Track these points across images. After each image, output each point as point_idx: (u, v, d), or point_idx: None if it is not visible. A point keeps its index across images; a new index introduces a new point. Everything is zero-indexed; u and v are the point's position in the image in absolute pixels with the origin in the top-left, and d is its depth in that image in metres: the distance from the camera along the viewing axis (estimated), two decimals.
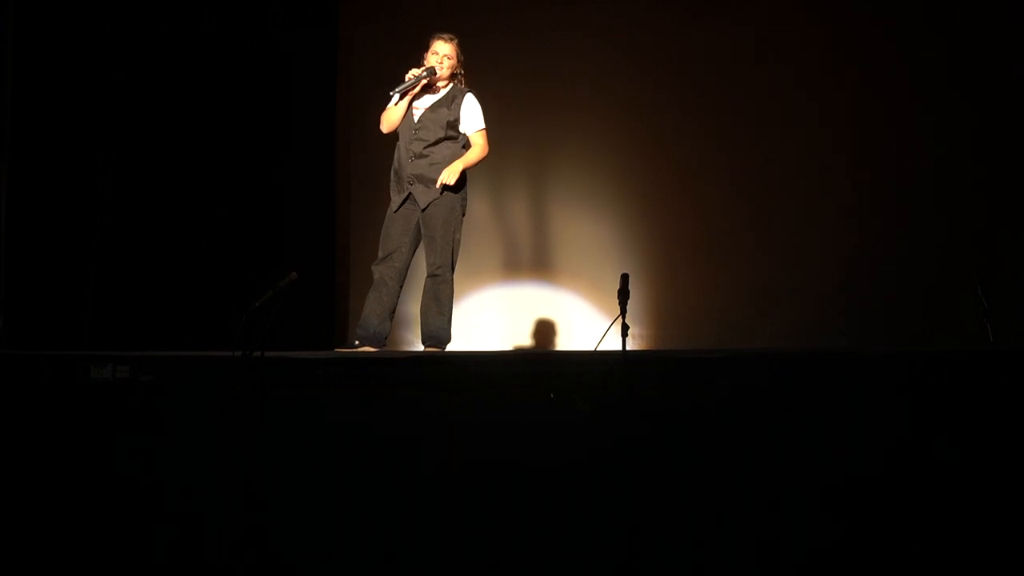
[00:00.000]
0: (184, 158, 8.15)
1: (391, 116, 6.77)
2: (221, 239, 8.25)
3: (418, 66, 6.75)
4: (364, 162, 8.27)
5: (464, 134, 6.75)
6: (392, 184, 6.79)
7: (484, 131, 6.75)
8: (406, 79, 6.68)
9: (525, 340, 8.62)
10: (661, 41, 8.44)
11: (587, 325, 8.38)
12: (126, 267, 7.88)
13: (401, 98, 6.72)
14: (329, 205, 8.73)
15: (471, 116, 6.74)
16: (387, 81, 6.78)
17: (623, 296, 5.23)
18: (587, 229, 8.55)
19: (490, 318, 8.65)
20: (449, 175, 6.61)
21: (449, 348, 6.73)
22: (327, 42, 8.76)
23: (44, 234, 7.53)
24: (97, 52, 7.74)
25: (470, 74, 6.86)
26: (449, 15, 8.04)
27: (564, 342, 8.54)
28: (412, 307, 7.12)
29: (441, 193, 6.65)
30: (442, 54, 6.75)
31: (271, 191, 8.41)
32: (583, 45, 8.49)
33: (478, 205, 8.02)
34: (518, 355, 7.50)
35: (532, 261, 8.73)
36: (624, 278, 5.27)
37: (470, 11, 8.34)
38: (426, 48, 6.80)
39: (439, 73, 6.73)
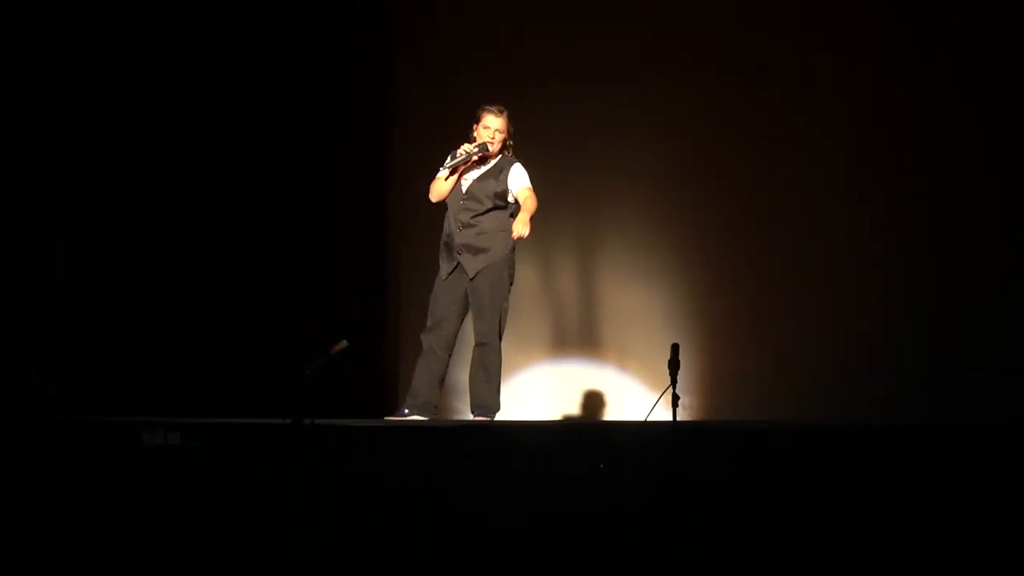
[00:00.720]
0: (237, 223, 8.29)
1: (440, 187, 6.80)
2: (270, 305, 8.34)
3: (469, 139, 6.78)
4: (414, 229, 8.31)
5: (512, 203, 6.77)
6: (441, 253, 6.82)
7: (531, 187, 6.75)
8: (458, 154, 6.71)
9: (574, 413, 8.58)
10: (709, 112, 8.44)
11: (637, 398, 8.33)
12: (176, 330, 8.00)
13: (451, 174, 6.75)
14: (379, 271, 8.78)
15: (518, 179, 6.75)
16: (439, 148, 6.83)
17: (673, 366, 5.23)
18: (635, 298, 8.53)
19: (539, 392, 8.62)
20: (522, 227, 6.60)
21: (498, 417, 6.72)
22: (379, 108, 8.84)
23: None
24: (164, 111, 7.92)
25: (519, 142, 6.88)
26: (498, 84, 8.07)
27: (613, 415, 8.49)
28: (461, 375, 7.12)
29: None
30: (494, 128, 6.77)
31: (321, 257, 8.49)
32: (631, 116, 8.50)
33: (526, 273, 8.06)
34: (568, 424, 7.48)
35: (580, 334, 8.71)
36: (675, 348, 5.27)
37: (519, 81, 8.37)
38: (476, 119, 6.83)
39: (491, 149, 6.76)
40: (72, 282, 7.72)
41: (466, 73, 8.57)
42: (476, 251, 6.69)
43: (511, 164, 6.78)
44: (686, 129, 8.45)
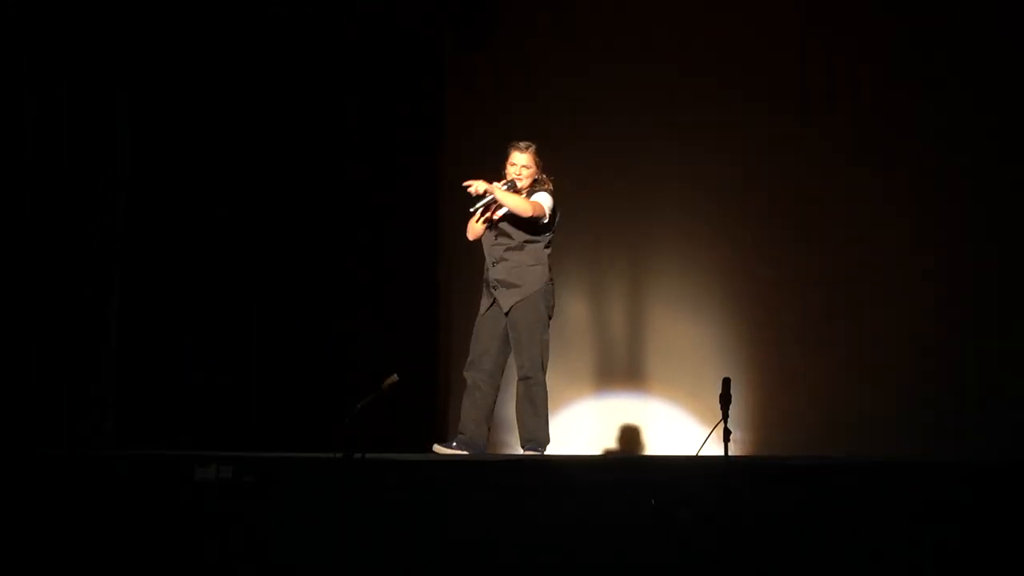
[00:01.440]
0: (289, 263, 8.42)
1: (475, 226, 6.81)
2: (321, 341, 8.41)
3: (499, 177, 6.77)
4: (464, 264, 8.34)
5: (546, 236, 6.75)
6: (483, 289, 6.84)
7: (540, 205, 6.66)
8: (485, 194, 6.71)
9: (620, 448, 8.55)
10: (759, 147, 8.42)
11: (686, 432, 8.29)
12: (227, 362, 8.12)
13: (483, 213, 6.76)
14: (430, 305, 8.81)
15: (533, 196, 6.71)
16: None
17: (725, 400, 5.21)
18: (683, 331, 8.50)
19: (585, 426, 8.59)
20: (483, 184, 6.60)
21: (547, 451, 6.71)
22: (432, 142, 8.91)
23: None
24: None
25: (564, 178, 6.87)
26: (549, 121, 8.11)
27: (660, 450, 8.45)
28: (508, 410, 7.11)
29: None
30: (520, 165, 6.75)
31: (374, 291, 8.57)
32: (680, 149, 8.49)
33: (573, 306, 8.07)
34: (619, 460, 7.46)
35: (627, 367, 8.67)
36: (726, 382, 5.25)
37: (567, 117, 8.40)
38: (506, 157, 6.84)
39: (519, 185, 6.76)
40: (128, 319, 7.86)
41: (517, 111, 8.59)
42: (510, 285, 6.70)
43: (537, 192, 6.76)
44: (736, 163, 8.43)
